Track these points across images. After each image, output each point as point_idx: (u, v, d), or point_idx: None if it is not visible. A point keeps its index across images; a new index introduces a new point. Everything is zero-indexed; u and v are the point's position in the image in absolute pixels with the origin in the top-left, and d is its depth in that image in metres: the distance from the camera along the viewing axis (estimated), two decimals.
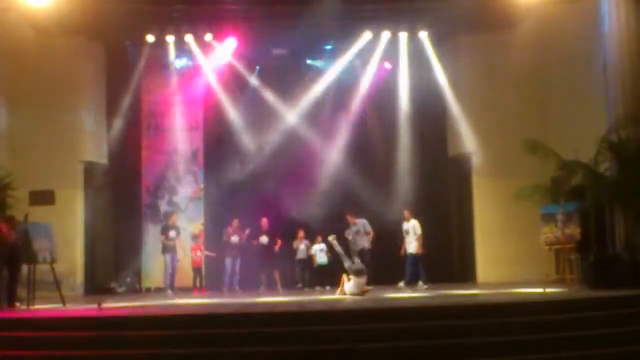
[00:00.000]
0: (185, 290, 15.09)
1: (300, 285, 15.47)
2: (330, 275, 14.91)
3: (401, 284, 14.60)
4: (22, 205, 12.49)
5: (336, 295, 12.40)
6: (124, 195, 16.51)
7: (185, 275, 15.65)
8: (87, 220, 15.63)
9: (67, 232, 14.51)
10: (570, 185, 12.44)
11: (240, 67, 16.79)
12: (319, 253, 15.50)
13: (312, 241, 15.70)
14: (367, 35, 16.22)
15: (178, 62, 16.66)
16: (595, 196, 11.85)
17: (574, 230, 11.66)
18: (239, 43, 16.17)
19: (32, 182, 14.34)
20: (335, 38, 16.46)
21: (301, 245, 15.69)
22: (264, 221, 15.57)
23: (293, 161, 16.46)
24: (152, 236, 16.17)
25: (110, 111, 16.31)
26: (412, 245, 14.60)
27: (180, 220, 16.09)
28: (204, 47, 16.32)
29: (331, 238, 13.68)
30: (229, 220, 15.49)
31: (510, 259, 15.03)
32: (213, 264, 15.77)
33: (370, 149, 16.88)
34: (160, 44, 16.18)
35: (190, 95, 16.92)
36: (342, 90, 16.94)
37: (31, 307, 10.75)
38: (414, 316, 8.49)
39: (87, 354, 7.57)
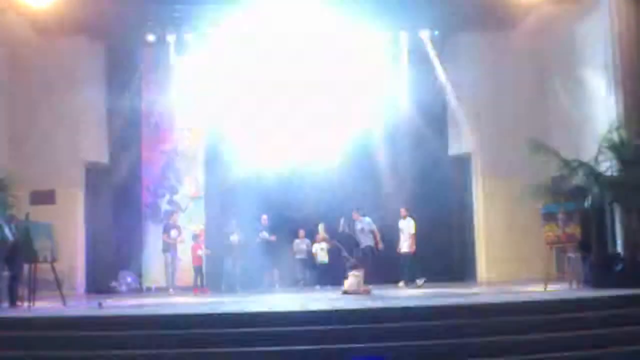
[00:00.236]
0: (186, 290, 15.10)
1: (301, 283, 15.47)
2: (331, 274, 14.94)
3: (401, 283, 14.61)
4: (23, 205, 12.49)
5: (337, 295, 12.39)
6: (124, 195, 16.50)
7: (186, 275, 15.65)
8: (88, 220, 15.65)
9: (67, 231, 14.52)
10: (571, 185, 12.42)
11: (241, 66, 16.77)
12: (320, 252, 15.51)
13: (313, 240, 15.70)
14: (367, 35, 16.22)
15: (179, 61, 16.63)
16: (596, 195, 11.84)
17: (575, 230, 11.65)
18: (241, 42, 16.18)
19: (32, 181, 14.36)
20: (337, 38, 16.42)
21: (302, 245, 15.70)
22: (264, 218, 15.60)
23: (293, 160, 16.47)
24: (152, 235, 16.17)
25: (111, 110, 16.31)
26: (405, 244, 14.63)
27: (180, 220, 16.09)
28: (205, 46, 16.31)
29: (335, 241, 13.75)
30: (230, 220, 15.51)
31: (511, 258, 15.05)
32: (214, 263, 15.76)
33: (371, 149, 16.86)
34: (161, 43, 16.18)
35: (191, 94, 16.91)
36: (342, 89, 16.92)
37: (32, 307, 10.75)
38: (415, 316, 8.49)
39: (88, 353, 7.57)
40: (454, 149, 16.73)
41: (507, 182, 14.37)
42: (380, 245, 14.57)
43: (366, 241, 14.65)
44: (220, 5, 15.15)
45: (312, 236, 15.85)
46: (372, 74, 16.97)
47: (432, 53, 16.46)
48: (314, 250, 15.59)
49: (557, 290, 11.26)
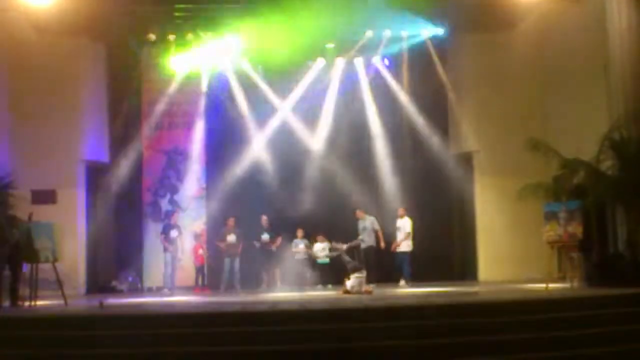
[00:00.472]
0: (187, 289, 15.10)
1: (301, 283, 15.46)
2: (331, 274, 14.95)
3: (402, 282, 14.62)
4: (24, 205, 12.48)
5: (338, 294, 12.39)
6: (125, 194, 16.48)
7: (187, 274, 15.65)
8: (89, 219, 15.65)
9: (68, 231, 14.48)
10: (573, 184, 12.42)
11: (242, 66, 16.79)
12: (320, 252, 15.50)
13: (312, 240, 15.68)
14: (368, 34, 16.23)
15: (179, 61, 16.63)
16: (597, 194, 11.83)
17: (576, 229, 11.64)
18: (241, 42, 16.17)
19: (33, 181, 14.36)
20: (337, 37, 16.43)
21: (300, 245, 15.68)
22: (264, 219, 15.59)
23: (294, 159, 16.48)
24: (153, 235, 16.16)
25: (112, 110, 16.32)
26: (405, 243, 14.66)
27: (182, 219, 16.10)
28: (206, 46, 16.31)
29: (337, 245, 13.79)
30: (236, 220, 15.54)
31: (512, 257, 15.04)
32: (215, 263, 15.77)
33: (371, 148, 16.86)
34: (162, 43, 16.18)
35: (192, 94, 16.92)
36: (343, 89, 16.94)
37: (33, 306, 10.75)
38: (416, 314, 8.49)
39: (89, 352, 7.57)
40: (455, 148, 16.72)
41: (508, 181, 14.34)
42: (383, 245, 14.62)
43: (368, 241, 14.69)
44: (220, 5, 15.15)
45: (311, 236, 15.82)
46: (373, 73, 17.01)
47: (433, 52, 16.47)
48: (314, 249, 15.58)
49: (558, 289, 11.26)
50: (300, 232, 15.77)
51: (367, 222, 14.92)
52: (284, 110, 16.89)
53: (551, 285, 11.60)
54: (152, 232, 16.25)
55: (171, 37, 16.10)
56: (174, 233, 15.18)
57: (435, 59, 16.50)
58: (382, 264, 14.94)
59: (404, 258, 14.76)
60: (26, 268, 11.31)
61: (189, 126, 16.87)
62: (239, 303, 10.48)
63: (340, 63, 16.99)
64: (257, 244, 15.42)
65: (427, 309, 8.75)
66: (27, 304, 10.92)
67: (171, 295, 14.14)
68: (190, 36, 16.11)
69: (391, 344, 7.55)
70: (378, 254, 14.83)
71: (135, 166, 16.56)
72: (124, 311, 9.60)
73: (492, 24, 15.45)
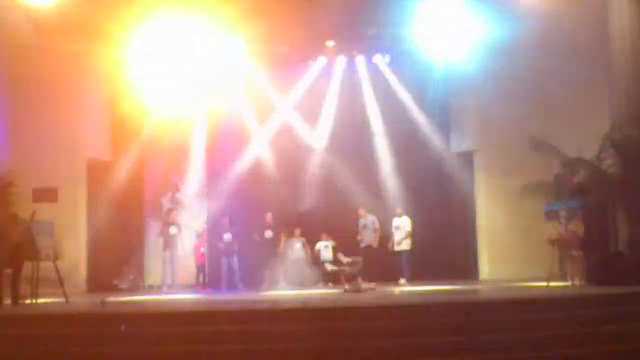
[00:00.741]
0: (188, 287, 15.11)
1: (301, 282, 15.47)
2: (332, 272, 14.96)
3: (402, 281, 14.63)
4: (25, 203, 12.49)
5: (339, 291, 12.40)
6: (126, 192, 16.47)
7: (189, 273, 15.66)
8: (90, 218, 15.64)
9: (70, 229, 14.51)
10: (574, 183, 12.42)
11: (244, 64, 16.79)
12: (324, 249, 15.50)
13: (311, 239, 15.67)
14: (369, 32, 16.22)
15: (181, 59, 16.62)
16: (598, 193, 11.83)
17: (578, 228, 11.65)
18: (242, 40, 16.18)
19: (35, 179, 14.36)
20: (338, 35, 16.42)
21: (297, 244, 15.67)
22: (269, 216, 15.59)
23: (295, 158, 16.49)
24: (154, 233, 16.17)
25: (113, 108, 16.31)
26: (405, 241, 14.66)
27: (183, 218, 16.11)
28: (206, 43, 16.30)
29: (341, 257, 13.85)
30: (231, 218, 15.54)
31: (513, 256, 15.04)
32: (216, 261, 15.78)
33: (372, 146, 16.87)
34: (165, 39, 16.16)
35: (193, 92, 16.90)
36: (344, 87, 16.94)
37: (34, 304, 10.76)
38: (417, 313, 8.49)
39: (91, 350, 7.58)
40: (456, 147, 16.72)
41: (509, 180, 14.34)
42: (375, 244, 14.62)
43: (368, 239, 14.72)
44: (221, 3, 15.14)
45: (311, 234, 15.82)
46: (374, 72, 17.01)
47: (434, 50, 16.45)
48: (317, 247, 15.58)
49: (559, 287, 11.26)
50: (297, 231, 15.76)
51: (368, 221, 14.95)
52: (286, 108, 16.89)
53: (552, 284, 11.61)
54: (154, 230, 16.26)
55: (172, 32, 16.07)
56: (172, 230, 15.17)
57: (436, 56, 16.47)
58: (382, 263, 14.95)
59: (404, 257, 14.78)
60: None
61: (190, 124, 16.86)
62: (240, 301, 10.49)
63: (341, 61, 16.97)
64: (257, 237, 15.38)
65: (427, 308, 8.75)
66: (28, 302, 10.94)
67: (170, 293, 14.15)
68: (191, 33, 16.09)
69: (393, 342, 7.55)
70: (377, 253, 14.84)
71: (137, 164, 16.57)
72: (125, 309, 9.61)
73: (494, 21, 15.43)
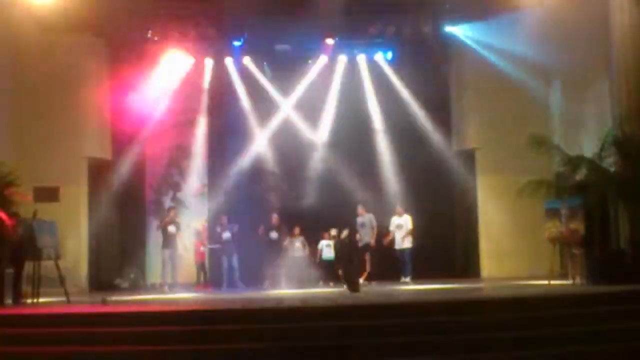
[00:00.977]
0: (189, 286, 15.12)
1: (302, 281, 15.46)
2: (333, 271, 14.98)
3: (406, 279, 14.62)
4: (27, 202, 12.49)
5: (339, 290, 12.40)
6: (128, 192, 16.51)
7: (189, 271, 15.66)
8: (92, 217, 15.67)
9: (71, 228, 14.56)
10: (575, 181, 12.40)
11: (244, 63, 16.81)
12: (325, 248, 15.50)
13: (311, 238, 15.66)
14: (371, 31, 16.22)
15: (182, 58, 16.65)
16: (599, 191, 11.81)
17: (579, 226, 11.63)
18: (243, 38, 16.21)
19: (36, 178, 14.37)
20: (339, 33, 16.42)
21: (296, 243, 15.66)
22: (275, 217, 15.57)
23: (296, 157, 16.50)
24: (155, 232, 16.17)
25: (115, 107, 16.33)
26: (407, 240, 14.67)
27: (184, 216, 16.12)
28: (208, 42, 16.33)
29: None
30: (233, 217, 15.55)
31: (514, 254, 15.06)
32: (217, 260, 15.79)
33: (373, 145, 16.87)
34: (165, 40, 16.18)
35: (195, 92, 16.93)
36: (345, 86, 16.94)
37: (36, 303, 10.77)
38: (418, 311, 8.49)
39: (92, 349, 7.58)
40: (457, 145, 16.72)
41: (510, 178, 14.32)
42: (373, 243, 14.61)
43: (365, 237, 14.74)
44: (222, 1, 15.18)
45: (312, 233, 15.81)
46: (376, 70, 17.01)
47: (435, 49, 16.45)
48: (319, 246, 15.57)
49: (560, 286, 11.25)
50: (297, 230, 15.76)
51: (366, 219, 14.97)
52: (287, 107, 16.90)
53: (553, 282, 11.60)
54: (155, 229, 16.27)
55: (173, 33, 16.10)
56: (171, 229, 15.16)
57: (438, 55, 16.48)
58: (382, 261, 14.96)
59: (406, 255, 14.77)
60: None
61: (191, 123, 16.88)
62: (241, 300, 10.49)
63: (342, 59, 16.98)
64: (266, 237, 15.37)
65: (429, 306, 8.75)
66: (29, 301, 10.95)
67: (170, 292, 14.16)
68: (193, 32, 16.12)
69: (395, 341, 7.55)
70: (376, 251, 14.86)
71: (138, 163, 16.60)
72: (127, 308, 9.61)
73: (494, 19, 15.43)
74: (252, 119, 16.77)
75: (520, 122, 14.93)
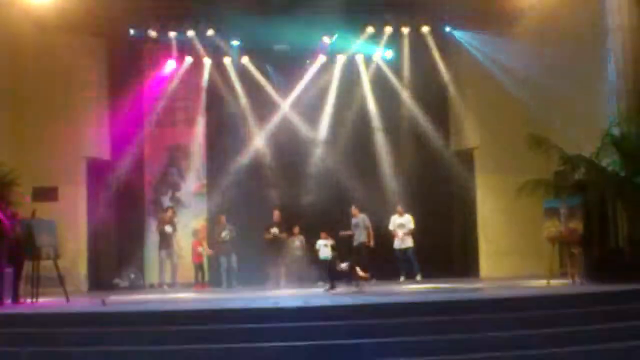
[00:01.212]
0: (187, 286, 15.13)
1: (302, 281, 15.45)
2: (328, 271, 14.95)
3: (402, 278, 14.62)
4: (26, 202, 12.49)
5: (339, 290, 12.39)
6: (127, 191, 16.51)
7: (188, 271, 15.66)
8: (91, 216, 15.67)
9: (70, 228, 14.53)
10: (573, 180, 12.41)
11: (243, 62, 16.81)
12: (323, 248, 15.46)
13: (311, 237, 15.64)
14: (369, 30, 16.24)
15: (180, 58, 16.65)
16: (597, 190, 11.81)
17: (577, 225, 11.62)
18: (242, 38, 16.22)
19: (35, 178, 14.37)
20: (338, 33, 16.42)
21: (296, 242, 15.67)
22: (276, 213, 15.58)
23: (295, 156, 16.50)
24: (155, 232, 16.18)
25: (113, 107, 16.33)
26: (409, 239, 14.65)
27: (183, 216, 16.13)
28: (207, 42, 16.34)
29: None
30: (235, 217, 15.56)
31: (513, 254, 15.04)
32: (216, 260, 15.79)
33: (372, 144, 16.87)
34: (163, 39, 16.19)
35: (193, 91, 16.94)
36: (344, 84, 16.94)
37: (35, 303, 10.77)
38: (418, 311, 8.49)
39: (91, 349, 7.58)
40: (455, 145, 16.73)
41: (509, 178, 14.30)
42: (371, 243, 14.60)
43: (360, 237, 14.75)
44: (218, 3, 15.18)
45: (311, 233, 15.80)
46: (374, 70, 17.01)
47: (434, 49, 16.47)
48: (316, 246, 15.54)
49: (559, 285, 11.26)
50: (296, 229, 15.76)
51: (359, 219, 14.98)
52: (285, 106, 16.91)
53: (552, 281, 11.60)
54: (154, 229, 16.27)
55: (172, 32, 16.11)
56: (168, 229, 15.15)
57: (436, 54, 16.50)
58: (380, 261, 14.95)
59: (410, 254, 14.76)
60: None
61: (190, 122, 16.89)
62: (242, 300, 10.49)
63: (340, 59, 16.98)
64: (268, 235, 15.38)
65: (429, 306, 8.75)
66: (28, 300, 10.94)
67: (169, 291, 14.16)
68: (191, 32, 16.13)
69: (396, 340, 7.55)
70: (371, 251, 14.85)
71: (137, 163, 16.60)
72: (126, 308, 9.61)
73: (494, 18, 15.44)
74: (250, 119, 16.75)
75: (519, 121, 14.91)
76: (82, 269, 15.30)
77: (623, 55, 12.37)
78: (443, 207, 16.54)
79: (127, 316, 8.66)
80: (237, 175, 16.41)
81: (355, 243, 14.79)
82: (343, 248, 13.01)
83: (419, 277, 14.54)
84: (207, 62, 16.70)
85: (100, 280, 15.75)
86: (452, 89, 16.45)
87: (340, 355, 7.36)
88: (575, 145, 12.30)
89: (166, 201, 16.67)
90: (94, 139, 15.98)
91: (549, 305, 8.69)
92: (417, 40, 16.50)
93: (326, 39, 16.48)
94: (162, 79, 16.77)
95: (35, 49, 14.76)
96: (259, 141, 16.73)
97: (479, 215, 16.14)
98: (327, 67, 16.99)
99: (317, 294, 11.44)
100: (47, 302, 10.96)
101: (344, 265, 11.87)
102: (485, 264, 15.82)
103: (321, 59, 16.95)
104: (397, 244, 14.90)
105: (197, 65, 16.76)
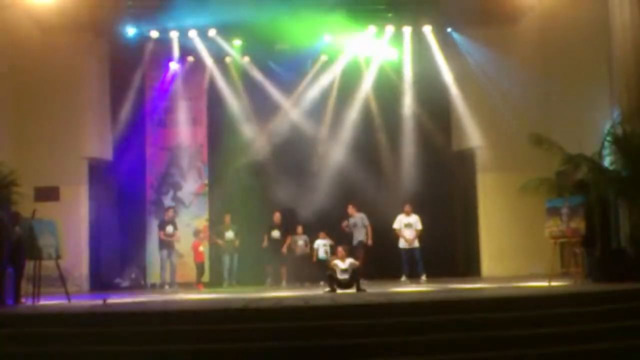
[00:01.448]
0: (189, 286, 15.13)
1: (304, 280, 15.46)
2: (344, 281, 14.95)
3: (403, 278, 14.60)
4: (27, 202, 12.50)
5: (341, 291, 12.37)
6: (128, 191, 16.55)
7: (190, 271, 15.66)
8: (92, 216, 15.68)
9: (71, 228, 14.54)
10: (575, 179, 12.40)
11: (245, 62, 16.81)
12: (322, 248, 15.48)
13: (313, 236, 15.66)
14: (371, 29, 16.23)
15: (182, 58, 16.65)
16: (599, 190, 11.80)
17: (579, 224, 11.61)
18: (243, 38, 16.23)
19: (36, 178, 14.38)
20: (339, 33, 16.41)
21: (300, 241, 15.67)
22: (277, 215, 15.59)
23: (297, 156, 16.50)
24: (156, 232, 16.17)
25: (114, 107, 16.33)
26: (416, 239, 14.63)
27: (184, 216, 16.13)
28: (208, 42, 16.34)
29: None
30: (236, 217, 15.58)
31: (515, 253, 15.05)
32: (218, 260, 15.80)
33: (373, 144, 16.87)
34: (164, 39, 16.19)
35: (195, 91, 16.95)
36: (345, 84, 16.94)
37: (36, 303, 10.77)
38: (420, 311, 8.48)
39: (93, 349, 7.58)
40: (457, 144, 16.72)
41: (511, 178, 14.32)
42: (370, 242, 14.57)
43: (359, 236, 14.75)
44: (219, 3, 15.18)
45: (313, 232, 15.81)
46: (376, 70, 16.99)
47: (435, 49, 16.46)
48: (315, 246, 15.56)
49: (561, 285, 11.24)
50: (299, 229, 15.77)
51: (358, 219, 14.97)
52: (287, 106, 16.90)
53: (554, 281, 11.59)
54: (155, 229, 16.25)
55: (174, 33, 16.12)
56: (169, 229, 15.17)
57: (439, 54, 16.49)
58: (382, 260, 14.95)
59: (417, 254, 14.72)
60: None
61: (191, 123, 16.90)
62: (243, 300, 10.48)
63: (342, 58, 16.96)
64: (267, 237, 15.38)
65: (430, 305, 8.74)
66: (30, 301, 10.94)
67: (170, 291, 14.17)
68: (192, 32, 16.13)
69: (397, 340, 7.55)
70: (369, 251, 14.85)
71: (138, 163, 16.63)
72: (128, 308, 9.61)
73: (496, 18, 15.43)
74: (252, 118, 16.73)
75: (521, 121, 14.91)
76: (84, 269, 15.30)
77: (625, 54, 12.34)
78: (444, 206, 16.55)
79: (128, 316, 8.65)
80: (238, 175, 16.41)
81: (354, 242, 14.78)
82: (345, 244, 12.87)
83: (423, 277, 14.52)
84: (209, 61, 16.69)
85: (101, 280, 15.76)
86: (454, 89, 16.42)
87: (340, 355, 7.35)
88: (577, 145, 12.29)
89: (167, 201, 16.66)
90: (96, 139, 15.98)
91: (550, 305, 8.68)
92: (420, 40, 16.48)
93: (328, 39, 16.46)
94: (164, 79, 16.77)
95: (36, 49, 14.77)
96: (260, 141, 16.71)
97: (480, 215, 16.12)
98: (328, 67, 16.96)
99: (317, 294, 11.42)
100: (49, 302, 10.95)
101: (342, 265, 11.76)
102: (487, 264, 15.80)
103: (323, 58, 16.93)
104: (403, 244, 14.80)
105: (199, 65, 16.75)
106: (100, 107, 16.15)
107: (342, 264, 11.69)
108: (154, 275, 16.19)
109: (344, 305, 8.87)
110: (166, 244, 15.02)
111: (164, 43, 16.29)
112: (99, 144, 16.07)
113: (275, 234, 15.49)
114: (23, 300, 11.05)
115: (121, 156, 16.37)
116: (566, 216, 11.79)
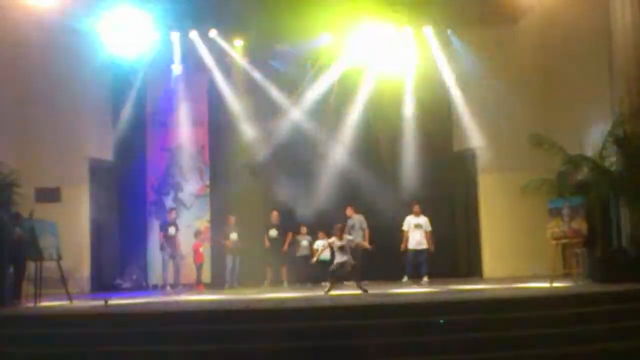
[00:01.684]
0: (190, 287, 15.13)
1: (307, 281, 15.46)
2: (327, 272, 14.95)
3: (425, 279, 14.55)
4: (28, 203, 12.49)
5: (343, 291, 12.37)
6: (129, 192, 16.55)
7: (190, 272, 15.66)
8: (93, 217, 15.67)
9: (72, 229, 14.54)
10: (576, 180, 12.39)
11: (245, 63, 16.81)
12: (321, 249, 15.45)
13: (314, 237, 15.67)
14: (371, 31, 16.21)
15: (183, 59, 16.66)
16: (600, 190, 11.80)
17: (581, 225, 11.61)
18: (245, 38, 16.24)
19: (37, 179, 14.38)
20: (340, 33, 16.41)
21: (303, 241, 15.68)
22: (275, 214, 15.59)
23: (298, 157, 16.49)
24: (157, 233, 16.18)
25: (115, 108, 16.33)
26: (424, 240, 14.56)
27: (185, 217, 16.13)
28: (209, 43, 16.34)
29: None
30: (236, 217, 15.57)
31: (516, 254, 15.03)
32: (220, 260, 15.80)
33: (375, 145, 16.87)
34: (166, 40, 16.19)
35: (196, 92, 16.95)
36: (346, 85, 16.93)
37: (37, 304, 10.77)
38: (421, 311, 8.49)
39: (94, 350, 7.58)
40: (459, 145, 16.71)
41: (512, 178, 14.31)
42: (367, 245, 14.43)
43: (356, 238, 14.68)
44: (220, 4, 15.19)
45: (313, 233, 15.81)
46: (376, 70, 16.98)
47: (436, 49, 16.45)
48: (315, 246, 15.55)
49: (563, 286, 11.24)
50: (303, 229, 15.78)
51: (356, 220, 14.93)
52: (288, 107, 16.90)
53: (555, 281, 11.58)
54: (156, 229, 16.26)
55: (175, 33, 16.12)
56: (171, 231, 15.17)
57: (439, 55, 16.48)
58: (383, 262, 14.93)
59: (423, 255, 14.65)
60: None
61: (192, 124, 16.89)
62: (244, 300, 10.49)
63: (343, 59, 16.95)
64: (267, 237, 15.37)
65: (431, 306, 8.74)
66: (31, 302, 10.94)
67: (172, 292, 14.17)
68: (194, 32, 16.14)
69: (398, 340, 7.55)
70: (366, 252, 14.82)
71: (139, 164, 16.63)
72: (129, 309, 9.62)
73: (496, 19, 15.43)
74: (254, 119, 16.72)
75: (522, 121, 14.89)
76: (85, 270, 15.29)
77: (625, 55, 12.34)
78: (445, 207, 16.53)
79: (129, 316, 8.66)
80: (239, 177, 16.40)
81: (352, 244, 14.73)
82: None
83: (426, 279, 14.47)
84: (210, 61, 16.68)
85: (102, 281, 15.76)
86: (454, 89, 16.41)
87: (340, 355, 7.36)
88: (578, 145, 12.28)
89: (168, 202, 16.67)
90: (97, 139, 15.98)
91: (551, 306, 8.68)
92: (420, 40, 16.47)
93: (329, 39, 16.46)
94: (165, 80, 16.76)
95: (37, 49, 14.76)
96: (261, 142, 16.71)
97: (481, 215, 16.11)
98: (329, 68, 16.95)
99: (318, 295, 11.42)
100: (50, 303, 10.96)
101: (339, 243, 11.66)
102: (488, 265, 15.79)
103: (324, 59, 16.93)
104: (413, 245, 14.66)
105: (200, 65, 16.74)
106: (102, 107, 16.15)
107: (339, 242, 11.54)
108: (155, 276, 16.19)
109: (346, 306, 8.88)
110: (168, 245, 15.02)
111: (165, 44, 16.27)
112: (100, 144, 16.07)
113: (273, 233, 15.49)
114: (24, 301, 11.06)
115: (122, 157, 16.37)
116: (567, 217, 11.78)
